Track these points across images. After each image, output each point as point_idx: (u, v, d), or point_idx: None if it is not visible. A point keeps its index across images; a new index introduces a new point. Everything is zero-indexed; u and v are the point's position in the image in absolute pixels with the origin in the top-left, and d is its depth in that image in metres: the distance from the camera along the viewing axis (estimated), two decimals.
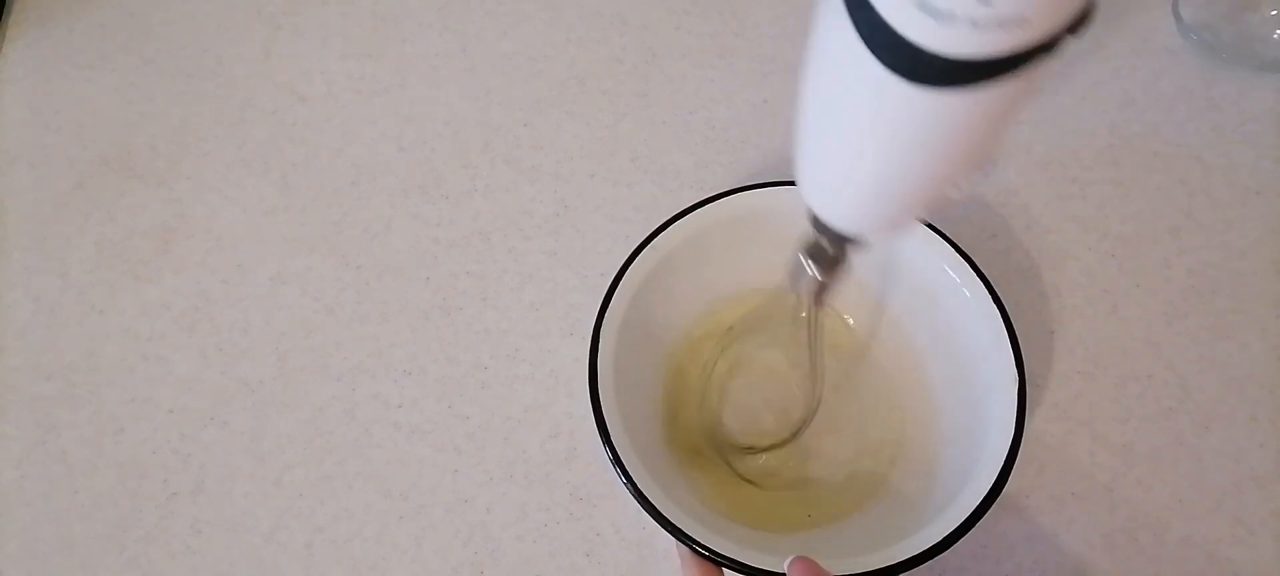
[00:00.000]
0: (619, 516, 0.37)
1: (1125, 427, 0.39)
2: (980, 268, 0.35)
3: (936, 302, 0.37)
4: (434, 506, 0.38)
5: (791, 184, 0.38)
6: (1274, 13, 0.47)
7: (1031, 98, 0.19)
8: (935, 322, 0.37)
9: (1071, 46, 0.18)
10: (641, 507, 0.31)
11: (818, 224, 0.26)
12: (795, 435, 0.37)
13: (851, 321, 0.40)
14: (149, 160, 0.47)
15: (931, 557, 0.30)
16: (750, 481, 0.37)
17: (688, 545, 0.31)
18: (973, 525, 0.30)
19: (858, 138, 0.21)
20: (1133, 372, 0.40)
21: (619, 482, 0.32)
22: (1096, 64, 0.48)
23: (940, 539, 0.30)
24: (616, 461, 0.32)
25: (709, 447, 0.38)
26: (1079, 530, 0.37)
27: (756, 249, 0.39)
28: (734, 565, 0.30)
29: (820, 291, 0.29)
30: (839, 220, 0.25)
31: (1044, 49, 0.17)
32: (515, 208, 0.45)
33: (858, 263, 0.38)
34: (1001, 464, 0.31)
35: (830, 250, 0.27)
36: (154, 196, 0.46)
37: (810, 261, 0.28)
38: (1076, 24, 0.17)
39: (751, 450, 0.38)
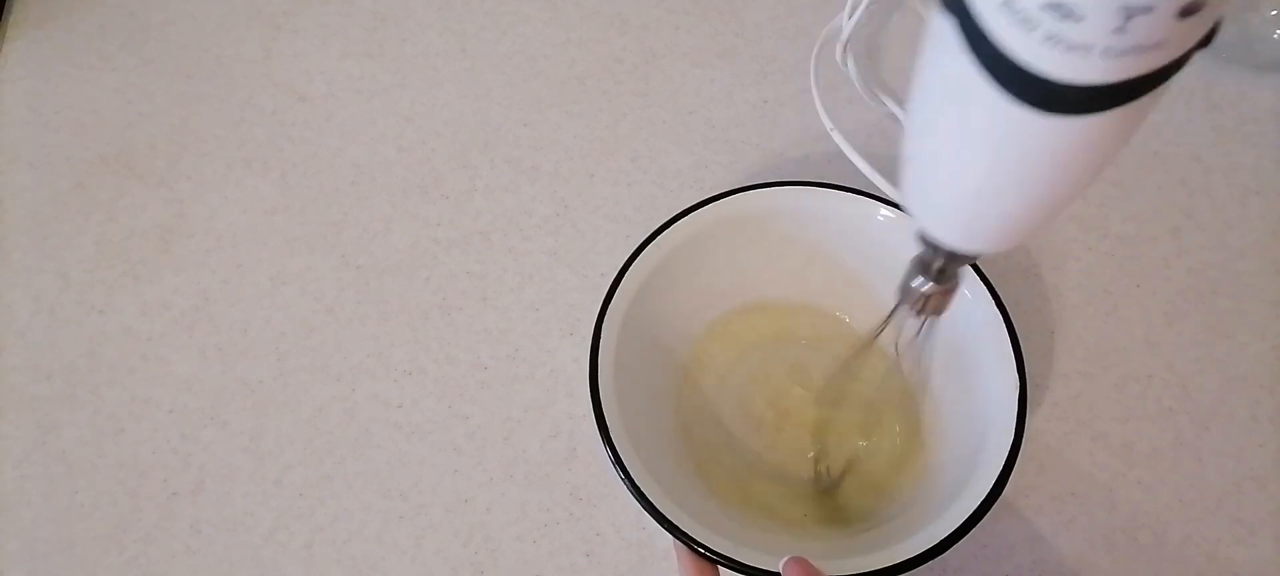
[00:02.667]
0: (619, 516, 0.37)
1: (1125, 427, 0.39)
2: (981, 268, 0.35)
3: None
4: (434, 506, 0.38)
5: (791, 184, 0.38)
6: (1274, 13, 0.47)
7: (1150, 113, 0.19)
8: (935, 322, 0.37)
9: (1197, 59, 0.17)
10: (641, 507, 0.31)
11: (928, 242, 0.26)
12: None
13: (848, 320, 0.40)
14: (149, 160, 0.47)
15: (932, 558, 0.30)
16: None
17: (687, 544, 0.31)
18: (973, 525, 0.30)
19: (981, 164, 0.21)
20: (1133, 372, 0.40)
21: (619, 482, 0.32)
22: None
23: (940, 539, 0.30)
24: (617, 461, 0.32)
25: (712, 454, 0.38)
26: (1079, 530, 0.37)
27: (756, 249, 0.39)
28: (733, 564, 0.30)
29: (936, 307, 0.28)
30: (956, 240, 0.25)
31: (1175, 66, 0.17)
32: (515, 208, 0.45)
33: (858, 263, 0.39)
34: (1002, 464, 0.31)
35: (941, 265, 0.27)
36: (154, 196, 0.46)
37: (922, 276, 0.27)
38: (1207, 38, 0.17)
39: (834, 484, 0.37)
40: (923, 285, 0.27)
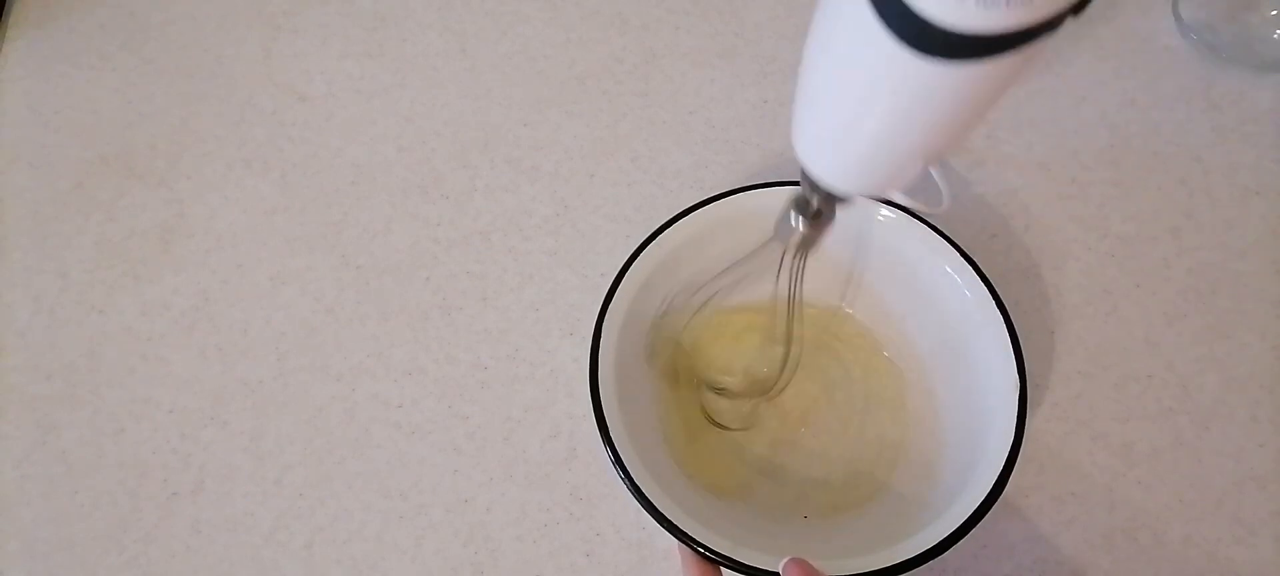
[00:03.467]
0: (619, 516, 0.37)
1: (1125, 427, 0.39)
2: (981, 268, 0.35)
3: (937, 302, 0.37)
4: (434, 506, 0.38)
5: (791, 184, 0.38)
6: (1274, 13, 0.47)
7: (1028, 74, 0.20)
8: (936, 322, 0.37)
9: (1070, 25, 0.18)
10: (641, 507, 0.31)
11: (809, 180, 0.27)
12: (765, 391, 0.38)
13: (852, 312, 0.40)
14: (149, 160, 0.47)
15: (932, 558, 0.30)
16: (723, 405, 0.38)
17: (687, 544, 0.31)
18: (973, 525, 0.30)
19: (858, 102, 0.22)
20: (1133, 372, 0.40)
21: (619, 482, 0.32)
22: (1096, 64, 0.48)
23: (941, 539, 0.30)
24: (617, 461, 0.32)
25: (683, 379, 0.38)
26: (1079, 530, 0.37)
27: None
28: (733, 564, 0.30)
29: (804, 245, 0.30)
30: (830, 178, 0.26)
31: (1047, 26, 0.18)
32: (515, 208, 0.45)
33: (858, 263, 0.39)
34: (1002, 464, 0.31)
35: (818, 206, 0.28)
36: (154, 196, 0.46)
37: (798, 215, 0.29)
38: (1079, 4, 0.18)
39: (724, 392, 0.38)
40: (798, 223, 0.29)
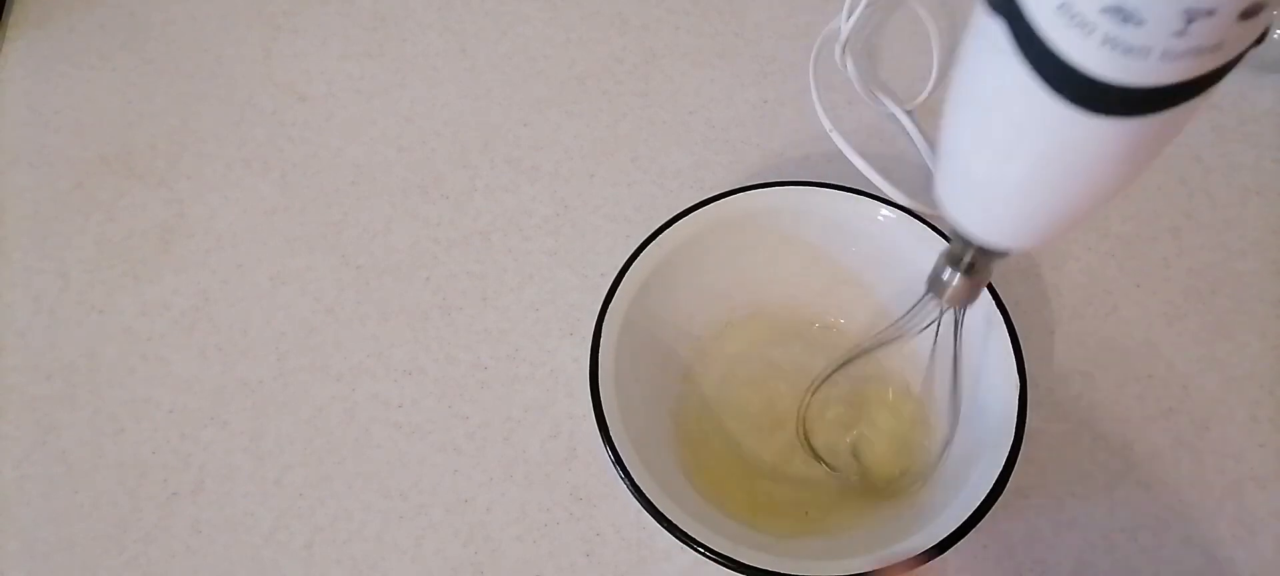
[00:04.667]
0: (619, 516, 0.37)
1: (1125, 427, 0.39)
2: None
3: None
4: (434, 506, 0.38)
5: (791, 184, 0.38)
6: (1274, 13, 0.47)
7: (1196, 117, 0.19)
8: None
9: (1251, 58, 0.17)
10: (642, 507, 0.31)
11: (962, 238, 0.26)
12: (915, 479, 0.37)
13: (843, 322, 0.40)
14: (149, 160, 0.47)
15: (932, 558, 0.30)
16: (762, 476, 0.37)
17: (688, 544, 0.31)
18: (973, 525, 0.30)
19: (1026, 164, 0.21)
20: (1133, 372, 0.40)
21: (619, 482, 0.32)
22: None
23: (941, 539, 0.30)
24: (617, 461, 0.32)
25: (712, 453, 0.37)
26: (1079, 530, 0.37)
27: (757, 249, 0.39)
28: (733, 564, 0.30)
29: (966, 299, 0.28)
30: (995, 238, 0.25)
31: (1229, 66, 0.17)
32: (515, 208, 0.45)
33: (858, 263, 0.39)
34: (1002, 464, 0.31)
35: (973, 260, 0.27)
36: (154, 196, 0.46)
37: (953, 270, 0.28)
38: (1261, 37, 0.17)
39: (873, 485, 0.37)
40: (952, 278, 0.27)
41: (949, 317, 0.31)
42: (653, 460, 0.33)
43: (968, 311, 0.35)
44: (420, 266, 0.43)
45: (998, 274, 0.35)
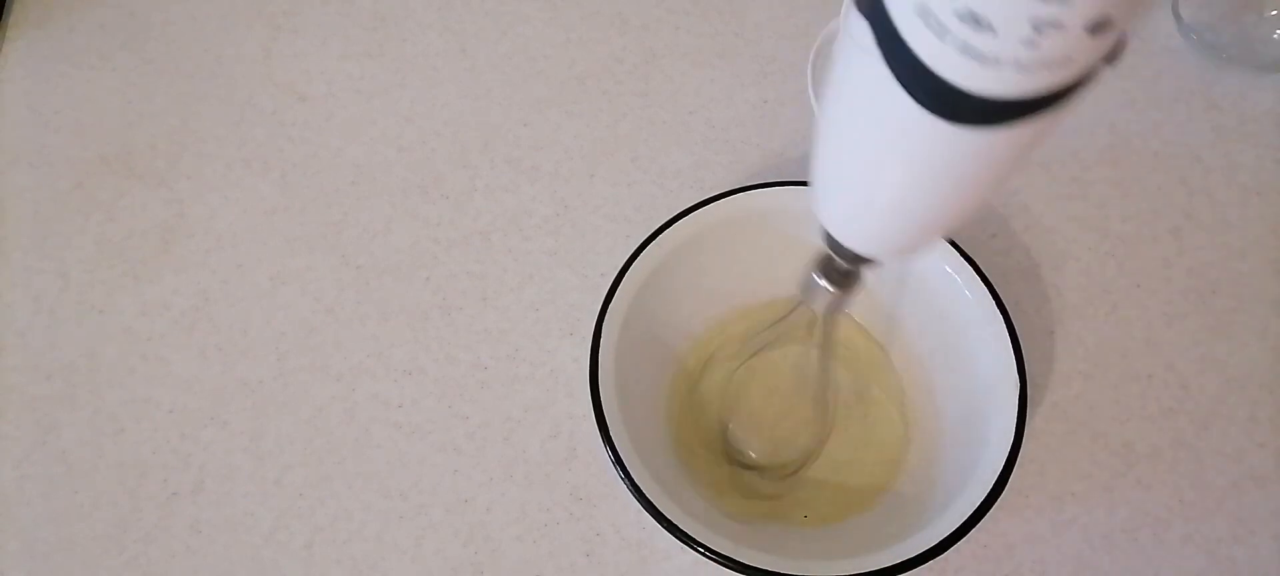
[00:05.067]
0: (619, 516, 0.37)
1: (1125, 427, 0.39)
2: (981, 268, 0.35)
3: (937, 303, 0.37)
4: (434, 506, 0.38)
5: (791, 184, 0.38)
6: (1274, 13, 0.47)
7: (1061, 126, 0.19)
8: (935, 323, 0.37)
9: (1105, 76, 0.18)
10: (642, 507, 0.31)
11: (832, 243, 0.26)
12: (797, 468, 0.37)
13: (851, 312, 0.40)
14: (149, 160, 0.47)
15: (932, 558, 0.30)
16: (750, 475, 0.37)
17: (688, 544, 0.31)
18: (973, 525, 0.30)
19: (884, 169, 0.21)
20: (1133, 372, 0.40)
21: (619, 482, 0.32)
22: None
23: (940, 539, 0.30)
24: (617, 461, 0.32)
25: (709, 451, 0.38)
26: (1079, 530, 0.37)
27: (757, 249, 0.39)
28: (732, 564, 0.30)
29: (833, 306, 0.29)
30: (856, 243, 0.25)
31: (1083, 81, 0.17)
32: (515, 208, 0.45)
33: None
34: (1002, 464, 0.31)
35: (844, 267, 0.27)
36: (154, 196, 0.46)
37: (823, 278, 0.28)
38: (1113, 54, 0.17)
39: (752, 467, 0.37)
40: (824, 285, 0.28)
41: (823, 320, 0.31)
42: (653, 460, 0.33)
43: (968, 312, 0.35)
44: (420, 266, 0.43)
45: (998, 274, 0.36)
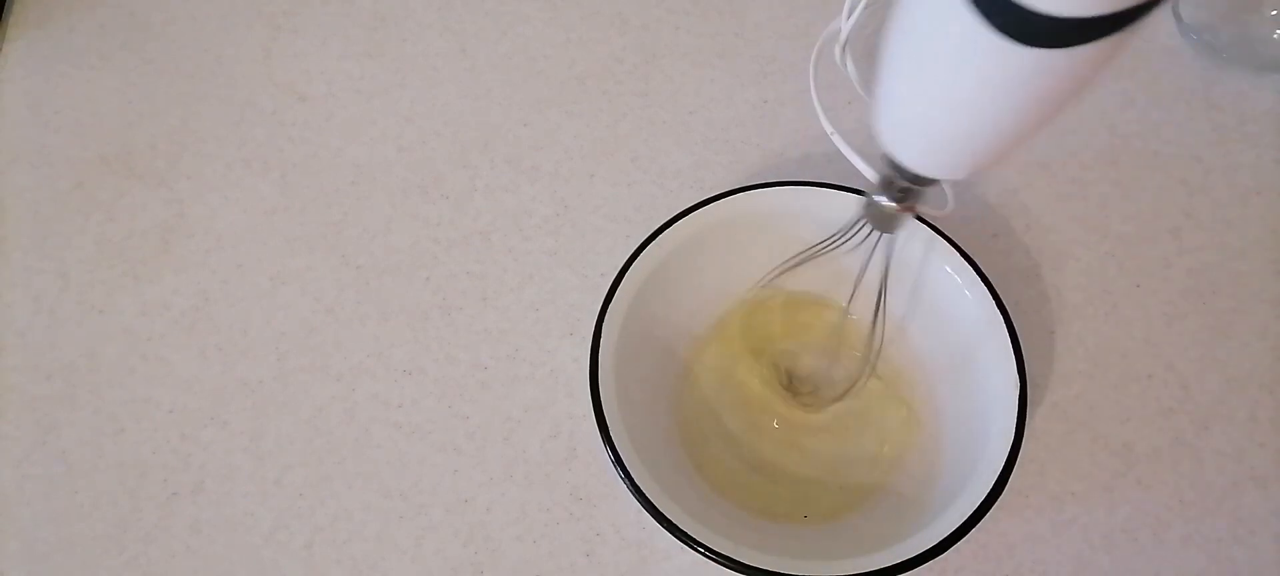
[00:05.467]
0: (619, 516, 0.37)
1: (1125, 427, 0.39)
2: (981, 268, 0.35)
3: (937, 303, 0.37)
4: (434, 506, 0.38)
5: (791, 184, 0.38)
6: (1274, 13, 0.47)
7: (1125, 53, 0.19)
8: (936, 322, 0.37)
9: None
10: (642, 507, 0.31)
11: (892, 165, 0.27)
12: (843, 392, 0.38)
13: (852, 313, 0.40)
14: (149, 160, 0.47)
15: (932, 558, 0.30)
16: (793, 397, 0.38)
17: (688, 544, 0.31)
18: (973, 525, 0.30)
19: (955, 93, 0.21)
20: (1133, 372, 0.40)
21: (619, 482, 0.32)
22: None
23: (940, 539, 0.30)
24: (617, 461, 0.32)
25: (722, 442, 0.38)
26: (1079, 530, 0.37)
27: (757, 249, 0.39)
28: (733, 564, 0.30)
29: (893, 224, 0.29)
30: (920, 164, 0.25)
31: (1154, 2, 0.17)
32: (515, 208, 0.45)
33: (858, 263, 0.39)
34: (1002, 464, 0.31)
35: (903, 187, 0.28)
36: (154, 196, 0.46)
37: (883, 195, 0.28)
38: None
39: (796, 393, 0.38)
40: (884, 203, 0.28)
41: (883, 242, 0.32)
42: (653, 460, 0.33)
43: (968, 312, 0.35)
44: (420, 266, 0.43)
45: (998, 274, 0.36)
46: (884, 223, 0.30)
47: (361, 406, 0.40)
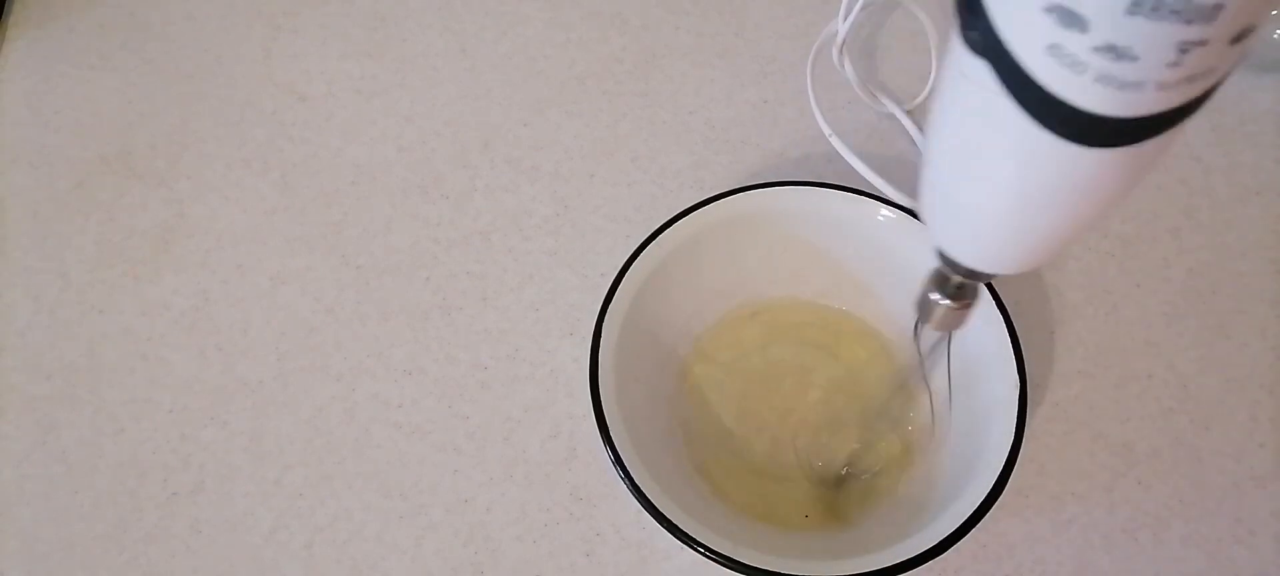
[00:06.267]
0: (619, 516, 0.37)
1: (1125, 427, 0.39)
2: None
3: None
4: (434, 506, 0.38)
5: (791, 184, 0.38)
6: (1274, 13, 0.47)
7: (1180, 139, 0.19)
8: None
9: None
10: (642, 507, 0.31)
11: (948, 260, 0.26)
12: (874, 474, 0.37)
13: (852, 312, 0.40)
14: (149, 160, 0.47)
15: (932, 558, 0.30)
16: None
17: (688, 544, 0.31)
18: (973, 525, 0.30)
19: (1008, 193, 0.21)
20: (1133, 372, 0.40)
21: (619, 482, 0.32)
22: None
23: (940, 539, 0.30)
24: (617, 461, 0.32)
25: (728, 454, 0.38)
26: (1079, 530, 0.37)
27: (757, 249, 0.39)
28: (733, 564, 0.30)
29: (951, 322, 0.28)
30: (980, 264, 0.25)
31: (1217, 86, 0.17)
32: (515, 208, 0.45)
33: (858, 263, 0.39)
34: (1002, 464, 0.31)
35: (959, 283, 0.27)
36: (154, 196, 0.46)
37: (937, 293, 0.28)
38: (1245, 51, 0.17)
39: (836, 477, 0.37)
40: (940, 301, 0.27)
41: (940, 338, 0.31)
42: (653, 460, 0.33)
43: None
44: (420, 266, 0.43)
45: None
46: (942, 322, 0.28)
47: (361, 406, 0.40)
